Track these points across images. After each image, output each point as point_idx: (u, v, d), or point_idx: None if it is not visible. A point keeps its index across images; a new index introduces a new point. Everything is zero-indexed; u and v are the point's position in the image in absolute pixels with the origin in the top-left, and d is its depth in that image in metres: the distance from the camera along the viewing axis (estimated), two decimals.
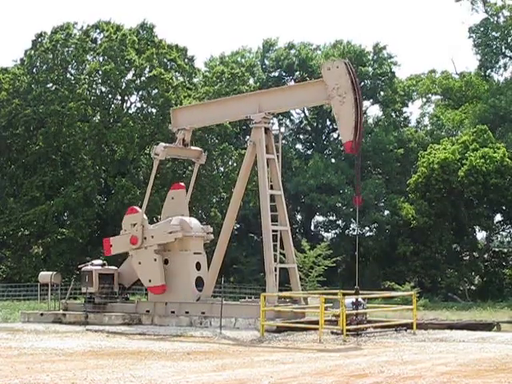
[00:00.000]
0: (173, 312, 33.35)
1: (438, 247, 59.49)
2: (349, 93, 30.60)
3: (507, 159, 57.21)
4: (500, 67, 71.33)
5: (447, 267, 59.90)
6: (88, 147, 59.43)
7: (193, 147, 37.18)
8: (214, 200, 62.16)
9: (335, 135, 73.18)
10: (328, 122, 72.65)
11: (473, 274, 61.29)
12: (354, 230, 65.37)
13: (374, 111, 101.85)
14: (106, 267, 36.33)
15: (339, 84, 30.69)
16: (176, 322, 32.68)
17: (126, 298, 36.82)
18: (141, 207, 35.38)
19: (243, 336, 28.70)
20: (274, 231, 32.48)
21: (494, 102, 64.74)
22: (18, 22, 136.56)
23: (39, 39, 60.99)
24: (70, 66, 61.55)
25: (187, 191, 36.29)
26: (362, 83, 70.91)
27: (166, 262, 34.18)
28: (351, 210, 62.52)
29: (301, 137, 73.78)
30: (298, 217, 69.48)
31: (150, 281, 34.19)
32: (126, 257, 36.67)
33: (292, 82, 71.74)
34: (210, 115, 35.39)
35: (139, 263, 34.48)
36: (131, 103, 62.83)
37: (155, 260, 33.92)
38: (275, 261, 32.14)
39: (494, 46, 70.68)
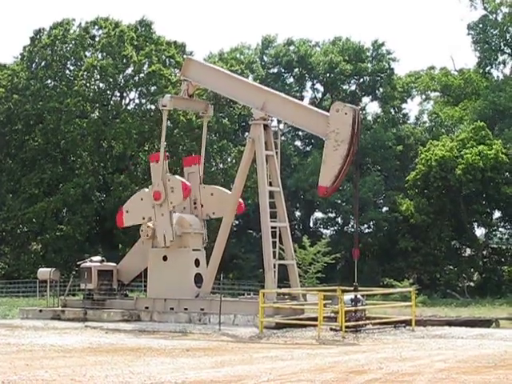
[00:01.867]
0: (172, 308, 33.33)
1: (436, 244, 59.53)
2: (344, 144, 30.28)
3: (502, 155, 57.22)
4: (499, 63, 71.37)
5: (446, 264, 59.95)
6: (86, 144, 59.41)
7: (198, 99, 37.10)
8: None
9: None
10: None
11: (472, 270, 61.35)
12: (353, 227, 65.37)
13: (372, 108, 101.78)
14: (105, 264, 36.30)
15: (340, 131, 30.40)
16: (175, 318, 32.66)
17: (125, 295, 36.79)
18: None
19: (242, 332, 28.70)
20: (273, 228, 32.46)
21: (493, 99, 64.75)
22: (16, 18, 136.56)
23: (38, 35, 60.96)
24: (68, 62, 61.53)
25: (200, 149, 36.04)
26: (361, 80, 71.01)
27: (164, 258, 34.15)
28: (350, 206, 62.54)
29: (300, 133, 73.73)
30: (297, 213, 69.48)
31: (127, 211, 34.36)
32: (126, 253, 36.69)
33: (291, 79, 71.76)
34: (216, 83, 34.90)
35: (141, 199, 34.20)
36: (130, 100, 62.87)
37: (143, 218, 34.01)
38: (274, 257, 32.13)
39: (493, 43, 70.69)
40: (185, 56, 37.69)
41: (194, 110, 38.82)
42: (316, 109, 34.84)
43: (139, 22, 63.14)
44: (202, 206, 34.86)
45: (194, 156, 37.39)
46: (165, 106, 34.52)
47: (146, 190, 34.78)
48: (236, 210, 34.53)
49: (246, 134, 58.48)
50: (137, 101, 62.70)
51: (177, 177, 34.65)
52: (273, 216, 32.79)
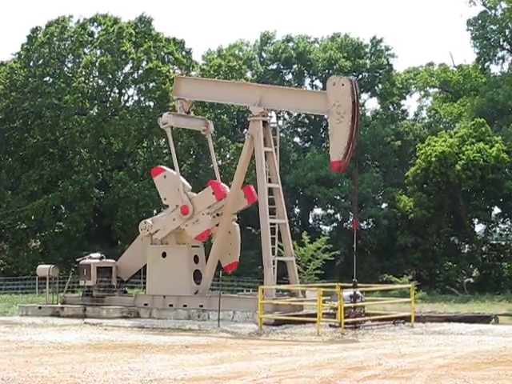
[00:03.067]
0: (171, 305, 33.36)
1: (436, 240, 59.52)
2: (347, 114, 30.38)
3: (503, 154, 57.22)
4: (498, 59, 71.32)
5: (445, 260, 59.92)
6: (85, 140, 59.37)
7: (196, 116, 37.30)
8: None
9: None
10: (326, 116, 72.50)
11: (471, 266, 61.31)
12: (351, 223, 65.32)
13: (371, 104, 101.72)
14: (104, 260, 36.32)
15: (340, 102, 30.49)
16: (174, 315, 32.69)
17: (124, 292, 36.82)
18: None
19: (241, 329, 28.72)
20: (272, 224, 32.50)
21: (492, 95, 64.71)
22: (14, 15, 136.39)
23: (35, 33, 60.88)
24: (66, 59, 61.49)
25: (213, 168, 36.60)
26: (360, 76, 70.96)
27: (163, 255, 34.17)
28: (350, 203, 62.52)
29: (298, 130, 73.71)
30: (296, 210, 69.43)
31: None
32: (125, 250, 36.70)
33: (290, 76, 71.69)
34: (210, 92, 35.25)
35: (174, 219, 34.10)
36: (129, 96, 62.80)
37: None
38: (273, 254, 32.16)
39: (492, 39, 70.62)
40: (174, 75, 37.75)
41: (194, 128, 38.82)
42: (312, 90, 35.09)
43: (139, 18, 63.07)
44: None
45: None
46: (166, 124, 34.58)
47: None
48: (247, 200, 34.28)
49: (245, 130, 58.45)
50: (136, 97, 62.66)
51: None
52: (272, 212, 32.82)
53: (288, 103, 33.49)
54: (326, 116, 32.56)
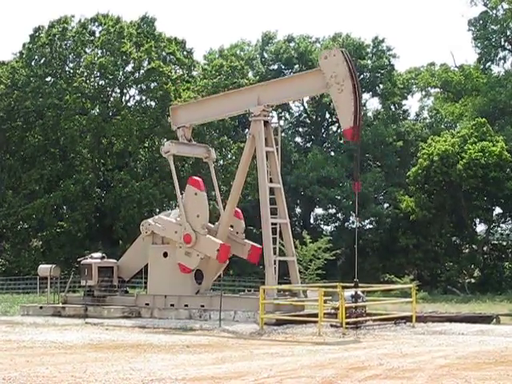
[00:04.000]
0: (172, 305, 33.35)
1: (437, 240, 59.49)
2: (347, 80, 30.63)
3: (506, 153, 57.21)
4: (499, 60, 71.31)
5: (447, 260, 59.92)
6: (86, 140, 59.41)
7: (198, 144, 37.26)
8: (213, 193, 62.07)
9: (334, 128, 73.11)
10: (327, 115, 72.62)
11: (472, 266, 61.29)
12: (353, 222, 65.36)
13: (373, 104, 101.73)
14: (106, 260, 36.31)
15: (337, 72, 30.73)
16: (175, 315, 32.69)
17: (126, 291, 36.82)
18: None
19: (242, 329, 28.71)
20: (273, 224, 32.49)
21: (494, 95, 64.68)
22: (16, 14, 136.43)
23: (37, 33, 60.92)
24: (67, 59, 61.53)
25: (211, 191, 36.17)
26: (361, 76, 70.91)
27: (165, 255, 34.17)
28: (351, 202, 62.52)
29: (300, 130, 73.74)
30: (298, 210, 69.45)
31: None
32: (126, 250, 36.71)
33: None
34: (209, 111, 35.31)
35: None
36: (130, 96, 62.85)
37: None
38: (274, 254, 32.16)
39: (493, 39, 70.60)
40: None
41: (196, 155, 38.79)
42: (305, 71, 35.24)
43: (141, 18, 63.08)
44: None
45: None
46: (168, 152, 34.55)
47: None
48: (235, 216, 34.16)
49: (246, 130, 58.48)
50: (137, 97, 62.73)
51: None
52: (273, 212, 32.81)
53: (286, 93, 33.47)
54: (326, 93, 32.43)
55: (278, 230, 32.83)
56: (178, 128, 35.11)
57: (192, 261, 33.18)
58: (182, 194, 34.53)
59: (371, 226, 65.74)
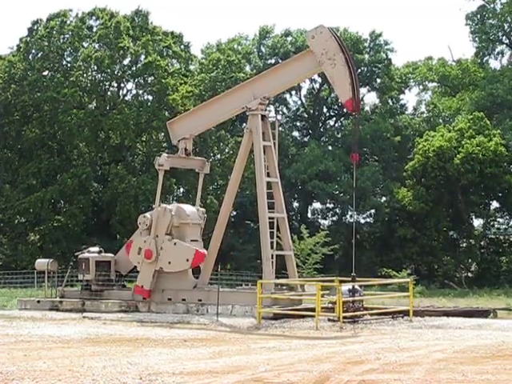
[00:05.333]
0: (170, 299, 33.37)
1: (434, 234, 59.53)
2: (338, 54, 30.79)
3: (501, 148, 57.22)
4: (497, 54, 71.29)
5: (444, 254, 59.97)
6: (83, 134, 59.36)
7: (196, 157, 37.24)
8: (211, 187, 62.13)
9: (332, 122, 73.11)
10: (325, 109, 72.57)
11: (469, 261, 61.37)
12: (351, 217, 65.38)
13: (370, 98, 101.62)
14: (103, 254, 36.30)
15: (327, 48, 30.88)
16: (173, 309, 32.70)
17: (123, 285, 36.82)
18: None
19: (240, 323, 28.72)
20: (270, 218, 32.48)
21: (491, 90, 64.68)
22: (12, 9, 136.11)
23: (35, 26, 60.86)
24: (65, 53, 61.48)
25: (195, 200, 36.22)
26: (359, 70, 70.87)
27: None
28: (348, 197, 62.54)
29: (297, 124, 73.68)
30: (295, 204, 69.45)
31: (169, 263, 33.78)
32: (123, 244, 36.70)
33: None
34: (207, 118, 35.17)
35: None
36: (127, 90, 62.83)
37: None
38: (272, 248, 32.16)
39: (491, 33, 70.55)
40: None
41: (190, 168, 38.79)
42: (295, 55, 35.32)
43: (135, 12, 63.03)
44: None
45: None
46: (161, 166, 34.52)
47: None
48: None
49: (244, 124, 58.44)
50: (134, 91, 62.71)
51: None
52: (271, 207, 32.80)
53: (281, 81, 33.36)
54: (320, 71, 32.52)
55: (275, 224, 32.82)
56: (179, 141, 35.03)
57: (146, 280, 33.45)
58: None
59: (369, 220, 65.79)
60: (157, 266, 33.54)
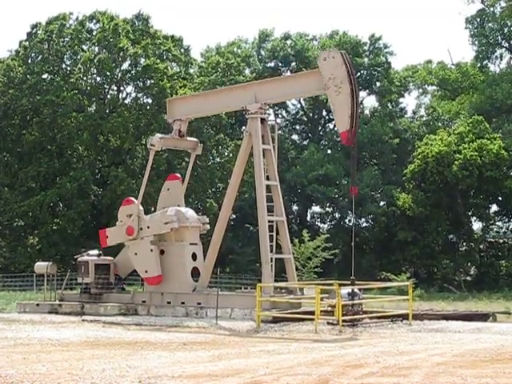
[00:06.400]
0: (169, 302, 33.36)
1: (434, 238, 59.50)
2: (345, 83, 30.55)
3: (503, 151, 57.23)
4: (496, 58, 71.31)
5: (443, 258, 59.94)
6: (83, 137, 59.37)
7: (189, 138, 37.08)
8: (210, 191, 62.14)
9: (331, 126, 73.09)
10: (324, 113, 72.59)
11: (469, 264, 61.33)
12: (350, 220, 65.37)
13: (370, 102, 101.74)
14: (102, 257, 36.31)
15: (335, 74, 30.67)
16: (172, 312, 32.69)
17: (122, 289, 36.82)
18: (137, 198, 35.36)
19: (239, 326, 28.72)
20: (270, 222, 32.48)
21: (491, 93, 64.69)
22: (10, 12, 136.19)
23: (34, 30, 60.89)
24: (65, 56, 61.52)
25: (183, 182, 36.28)
26: (358, 74, 70.91)
27: (162, 252, 34.17)
28: (346, 200, 62.55)
29: (297, 127, 73.70)
30: (295, 207, 69.48)
31: (146, 271, 34.18)
32: (122, 247, 36.69)
33: (288, 73, 71.65)
34: (206, 106, 35.39)
35: (135, 254, 34.43)
36: (127, 93, 62.86)
37: (151, 251, 33.88)
38: (271, 251, 32.15)
39: (491, 37, 70.57)
40: (165, 101, 38.05)
41: (183, 149, 38.94)
42: (304, 72, 35.22)
43: (136, 16, 63.10)
44: None
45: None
46: (153, 146, 34.63)
47: (125, 248, 35.01)
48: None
49: (243, 127, 58.47)
50: (133, 94, 62.73)
51: (121, 208, 35.24)
52: (270, 210, 32.81)
53: (284, 92, 33.51)
54: (323, 94, 32.54)
55: (274, 227, 32.83)
56: (175, 121, 35.12)
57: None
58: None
59: (368, 224, 65.76)
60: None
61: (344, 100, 30.54)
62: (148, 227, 34.06)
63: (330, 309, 28.82)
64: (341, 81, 30.58)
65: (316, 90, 33.16)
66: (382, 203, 65.90)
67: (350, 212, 63.63)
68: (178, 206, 34.84)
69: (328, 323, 28.37)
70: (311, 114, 72.95)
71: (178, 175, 36.68)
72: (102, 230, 36.62)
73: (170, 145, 36.72)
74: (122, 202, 36.14)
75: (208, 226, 35.18)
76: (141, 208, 34.77)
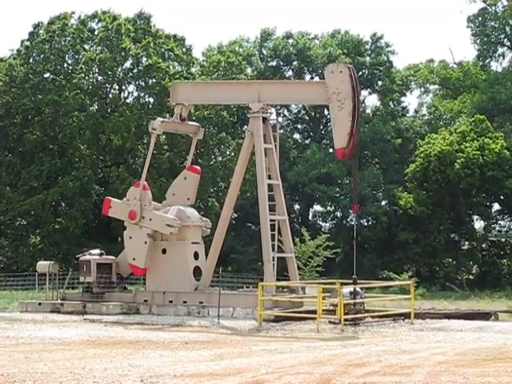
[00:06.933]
0: (171, 301, 33.35)
1: (435, 236, 59.49)
2: (348, 100, 30.40)
3: (505, 150, 57.19)
4: (498, 56, 71.28)
5: (445, 257, 59.93)
6: (85, 137, 59.34)
7: (190, 122, 37.19)
8: (212, 190, 62.11)
9: None
10: (326, 112, 72.31)
11: (471, 263, 61.32)
12: (352, 220, 65.33)
13: (371, 101, 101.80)
14: (104, 257, 36.31)
15: (340, 89, 30.52)
16: (174, 311, 32.69)
17: (124, 288, 36.81)
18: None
19: (241, 325, 28.73)
20: (271, 221, 32.48)
21: (493, 92, 64.65)
22: (13, 10, 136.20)
23: (36, 29, 60.85)
24: (66, 55, 61.51)
25: (184, 167, 36.54)
26: (360, 73, 70.89)
27: (163, 251, 34.16)
28: (348, 199, 62.54)
29: (299, 126, 73.67)
30: (296, 206, 69.46)
31: (134, 259, 34.20)
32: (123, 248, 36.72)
33: (290, 72, 71.65)
34: (209, 95, 35.37)
35: (130, 238, 34.39)
36: (128, 93, 62.81)
37: (145, 243, 33.83)
38: (273, 250, 32.15)
39: (492, 36, 70.54)
40: (170, 84, 38.15)
41: (184, 133, 38.96)
42: (310, 80, 35.18)
43: (138, 15, 63.07)
44: None
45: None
46: (154, 130, 34.64)
47: (125, 231, 34.94)
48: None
49: (245, 127, 58.48)
50: (135, 94, 62.69)
51: (131, 189, 35.09)
52: (272, 209, 32.80)
53: (287, 96, 33.56)
54: (326, 104, 32.45)
55: (276, 226, 32.82)
56: (177, 105, 35.15)
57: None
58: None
59: (370, 223, 65.74)
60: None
61: (345, 116, 30.42)
62: (150, 219, 33.90)
63: (331, 308, 28.82)
64: (345, 97, 30.43)
65: (319, 100, 33.14)
66: (383, 202, 65.89)
67: (351, 211, 63.60)
68: (188, 199, 34.89)
69: (330, 322, 28.37)
70: (313, 113, 72.88)
71: (199, 169, 36.31)
72: (106, 199, 36.47)
73: (171, 129, 36.79)
74: (134, 183, 36.31)
75: (209, 231, 35.20)
76: (149, 195, 34.54)
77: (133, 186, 35.38)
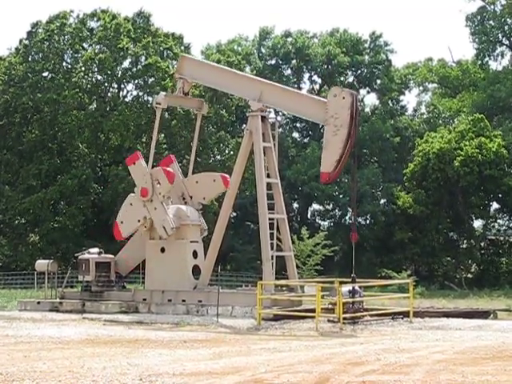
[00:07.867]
0: (170, 300, 33.38)
1: (434, 235, 59.52)
2: (344, 128, 30.31)
3: (502, 150, 57.22)
4: (497, 55, 71.31)
5: (444, 255, 59.96)
6: (84, 135, 59.35)
7: (194, 97, 37.33)
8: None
9: None
10: (322, 124, 72.50)
11: (469, 262, 61.36)
12: (350, 219, 65.35)
13: (370, 100, 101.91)
14: (103, 255, 36.33)
15: (339, 114, 30.44)
16: (173, 310, 32.72)
17: (123, 287, 36.84)
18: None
19: (240, 324, 28.74)
20: (270, 219, 32.49)
21: (492, 91, 64.66)
22: (12, 10, 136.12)
23: (35, 28, 60.81)
24: (65, 54, 61.49)
25: (191, 145, 36.70)
26: (359, 71, 70.96)
27: (162, 250, 34.18)
28: (346, 197, 62.58)
29: (297, 125, 73.69)
30: (295, 205, 69.49)
31: (122, 222, 34.43)
32: (124, 245, 36.72)
33: (289, 71, 71.71)
34: (212, 78, 35.22)
35: (131, 204, 34.50)
36: (127, 91, 62.81)
37: (138, 221, 34.00)
38: (272, 249, 32.17)
39: (491, 35, 70.57)
40: (180, 53, 38.18)
41: (188, 107, 39.12)
42: (313, 96, 35.02)
43: (137, 13, 63.04)
44: (191, 197, 35.19)
45: (167, 157, 37.76)
46: (159, 104, 34.75)
47: (133, 194, 34.92)
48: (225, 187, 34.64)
49: (244, 125, 58.48)
50: (134, 93, 62.68)
51: (157, 168, 34.91)
52: (271, 208, 32.81)
53: (287, 104, 33.46)
54: (323, 124, 32.41)
55: (275, 225, 32.84)
56: (180, 78, 35.19)
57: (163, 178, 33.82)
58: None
59: (368, 222, 65.76)
60: None
61: (337, 143, 30.35)
62: (155, 208, 33.82)
63: (330, 306, 28.85)
64: (341, 123, 30.34)
65: (317, 119, 33.05)
66: (382, 201, 65.92)
67: (349, 210, 63.63)
68: (204, 198, 35.30)
69: (329, 321, 28.38)
70: None
71: (228, 184, 34.66)
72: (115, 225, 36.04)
73: (175, 103, 37.07)
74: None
75: (206, 233, 35.26)
76: (167, 186, 34.05)
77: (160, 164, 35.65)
